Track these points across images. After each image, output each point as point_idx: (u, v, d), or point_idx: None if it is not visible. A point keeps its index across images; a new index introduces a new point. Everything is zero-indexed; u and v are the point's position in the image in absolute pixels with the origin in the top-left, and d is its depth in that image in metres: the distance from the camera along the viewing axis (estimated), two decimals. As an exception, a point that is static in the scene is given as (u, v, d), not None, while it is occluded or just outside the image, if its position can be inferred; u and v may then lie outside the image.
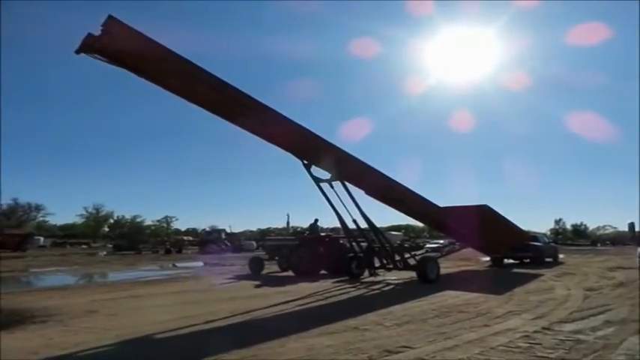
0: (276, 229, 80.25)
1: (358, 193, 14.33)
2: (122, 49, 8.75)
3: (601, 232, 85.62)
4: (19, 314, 8.36)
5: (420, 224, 65.18)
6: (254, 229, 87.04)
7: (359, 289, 12.43)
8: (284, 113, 11.85)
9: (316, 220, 19.05)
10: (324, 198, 13.88)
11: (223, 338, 6.47)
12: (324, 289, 12.10)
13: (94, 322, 7.65)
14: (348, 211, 14.13)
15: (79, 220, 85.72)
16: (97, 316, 8.20)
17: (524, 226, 21.02)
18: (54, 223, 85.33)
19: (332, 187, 13.86)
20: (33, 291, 12.76)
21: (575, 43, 68.24)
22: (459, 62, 78.17)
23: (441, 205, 16.84)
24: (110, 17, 8.51)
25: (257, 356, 5.28)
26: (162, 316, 8.16)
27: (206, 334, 6.81)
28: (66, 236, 73.43)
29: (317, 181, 13.81)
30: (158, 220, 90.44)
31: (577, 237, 77.58)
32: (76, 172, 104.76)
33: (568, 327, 6.76)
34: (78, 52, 8.54)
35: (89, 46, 8.48)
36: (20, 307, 9.11)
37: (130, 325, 7.22)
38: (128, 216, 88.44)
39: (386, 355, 5.25)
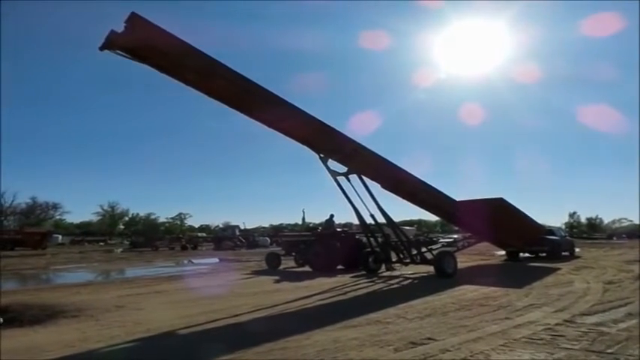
0: (289, 225, 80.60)
1: (373, 186, 14.44)
2: (145, 45, 8.92)
3: (617, 225, 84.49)
4: (49, 309, 8.60)
5: (432, 219, 65.27)
6: (266, 225, 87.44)
7: (377, 283, 12.57)
8: (295, 106, 11.93)
9: (332, 216, 19.18)
10: (340, 192, 14.00)
11: (251, 331, 6.67)
12: (342, 284, 12.25)
13: (124, 316, 7.90)
14: (365, 205, 14.25)
15: (94, 218, 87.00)
16: (125, 311, 8.44)
17: (538, 219, 20.93)
18: (71, 221, 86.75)
19: (349, 180, 13.97)
20: (59, 287, 13.10)
21: (588, 35, 66.94)
22: (468, 55, 77.36)
23: (456, 198, 16.85)
24: (133, 14, 8.68)
25: (286, 348, 5.44)
26: (188, 310, 8.37)
27: (234, 327, 7.00)
28: (83, 234, 74.68)
29: (334, 174, 13.92)
30: (172, 218, 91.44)
31: (592, 230, 76.58)
32: (90, 171, 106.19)
33: (590, 319, 6.82)
34: (102, 48, 8.72)
35: (112, 42, 8.66)
36: (50, 303, 9.37)
37: (159, 320, 7.44)
38: (142, 213, 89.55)
39: (411, 347, 5.38)
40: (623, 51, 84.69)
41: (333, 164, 13.82)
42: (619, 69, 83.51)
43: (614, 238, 58.78)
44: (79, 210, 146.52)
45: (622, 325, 6.35)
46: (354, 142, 13.55)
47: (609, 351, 5.05)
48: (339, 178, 13.96)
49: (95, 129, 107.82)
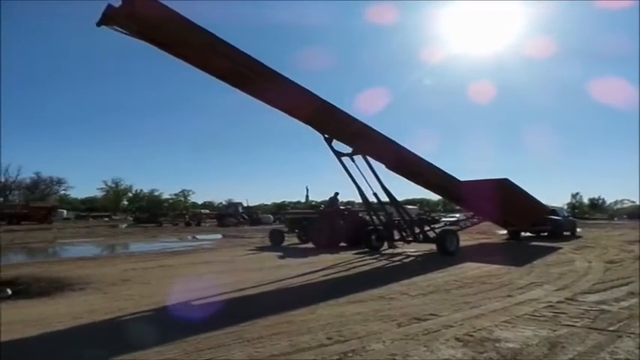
0: (292, 202, 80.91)
1: (377, 166, 14.43)
2: (143, 21, 8.65)
3: (619, 206, 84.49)
4: (57, 282, 8.76)
5: (435, 198, 65.37)
6: (269, 203, 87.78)
7: (380, 260, 12.68)
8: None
9: (337, 194, 19.22)
10: (344, 172, 14.03)
11: (257, 305, 6.78)
12: (345, 261, 12.37)
13: (131, 289, 8.02)
14: (368, 184, 14.32)
15: (99, 194, 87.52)
16: (131, 284, 8.57)
17: (542, 200, 20.93)
18: (75, 196, 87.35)
19: (353, 160, 13.97)
20: (65, 261, 13.24)
21: (601, 6, 65.19)
22: (479, 30, 75.93)
23: (461, 178, 16.88)
24: None
25: (291, 322, 5.53)
26: (194, 284, 8.48)
27: (239, 301, 7.12)
28: (88, 209, 75.27)
29: (338, 155, 13.90)
30: (175, 194, 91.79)
31: (594, 211, 76.66)
32: (93, 146, 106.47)
33: (591, 298, 6.90)
34: (99, 24, 8.45)
35: (110, 18, 8.38)
36: (57, 276, 9.51)
37: (165, 293, 7.54)
38: (146, 190, 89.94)
39: (415, 322, 5.45)
40: (637, 23, 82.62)
41: (337, 144, 13.80)
42: (634, 41, 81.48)
43: (616, 219, 58.89)
44: (83, 185, 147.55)
45: (623, 304, 6.42)
46: (359, 122, 13.41)
47: (611, 328, 5.12)
48: (343, 158, 13.94)
49: (97, 103, 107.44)
